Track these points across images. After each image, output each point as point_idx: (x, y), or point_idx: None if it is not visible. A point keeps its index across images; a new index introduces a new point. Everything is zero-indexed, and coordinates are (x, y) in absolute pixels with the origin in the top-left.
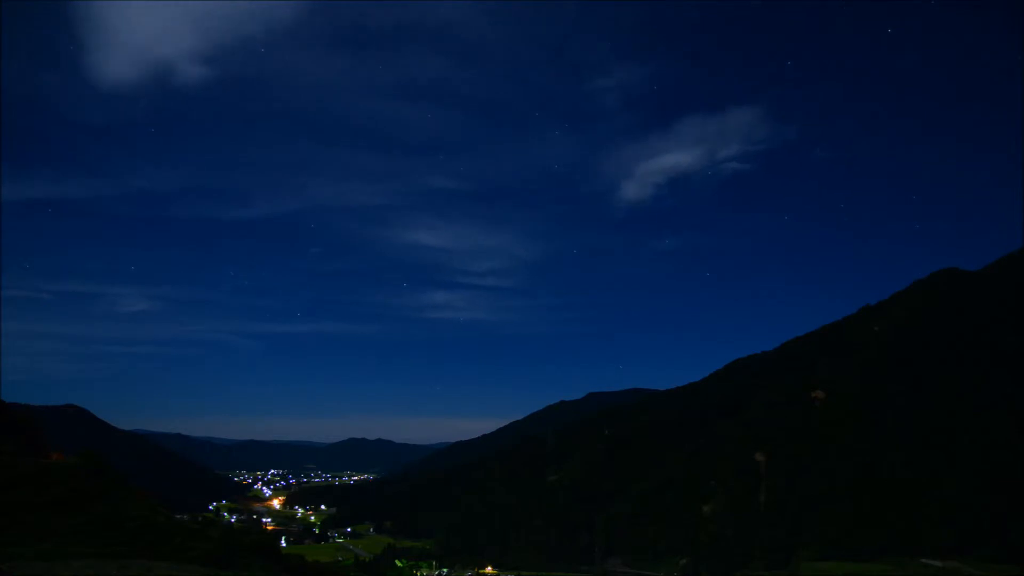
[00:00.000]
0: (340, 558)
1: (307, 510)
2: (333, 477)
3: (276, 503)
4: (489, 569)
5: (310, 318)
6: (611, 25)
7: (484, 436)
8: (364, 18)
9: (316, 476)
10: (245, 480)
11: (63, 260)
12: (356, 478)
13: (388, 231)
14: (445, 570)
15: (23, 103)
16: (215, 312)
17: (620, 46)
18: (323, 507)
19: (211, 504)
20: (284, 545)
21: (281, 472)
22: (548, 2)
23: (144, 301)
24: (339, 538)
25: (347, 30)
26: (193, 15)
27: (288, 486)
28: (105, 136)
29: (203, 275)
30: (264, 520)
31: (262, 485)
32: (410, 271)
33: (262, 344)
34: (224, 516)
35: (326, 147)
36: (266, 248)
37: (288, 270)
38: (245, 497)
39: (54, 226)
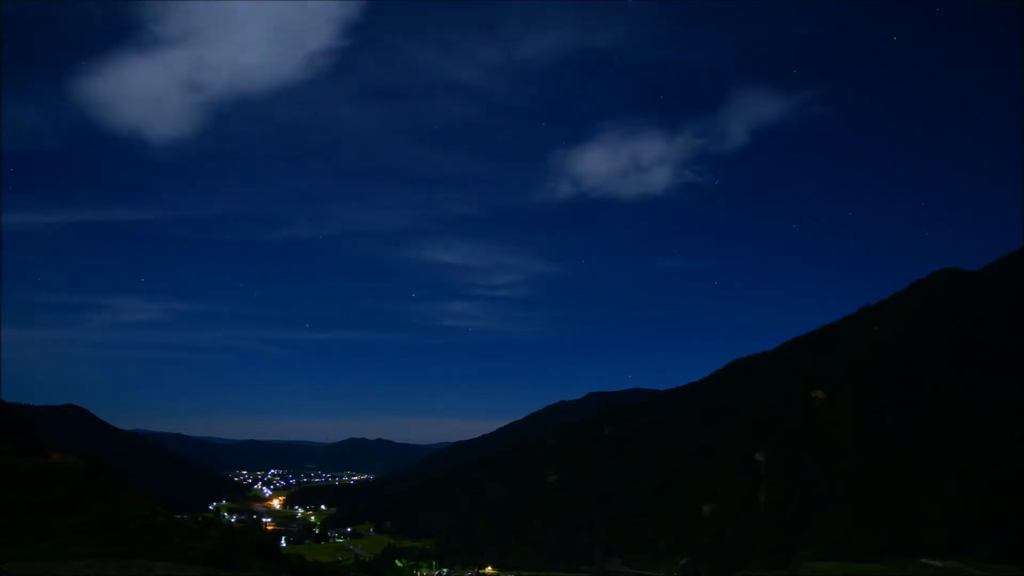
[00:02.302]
0: (340, 558)
1: (307, 510)
2: (333, 477)
3: (276, 503)
4: (489, 569)
5: (319, 326)
6: (610, 71)
7: (484, 436)
8: (392, 73)
9: (316, 476)
10: (245, 480)
11: (91, 275)
12: (356, 478)
13: (408, 251)
14: (445, 570)
15: (76, 138)
16: (225, 321)
17: (618, 86)
18: (323, 507)
19: (211, 504)
20: (284, 545)
21: (281, 472)
22: (550, 59)
23: (155, 312)
24: (339, 538)
25: (377, 83)
26: (243, 64)
27: (288, 486)
28: (161, 169)
29: (221, 289)
30: (264, 520)
31: (262, 485)
32: (423, 285)
33: (265, 348)
34: (224, 516)
35: (357, 180)
36: (288, 266)
37: (306, 285)
38: (245, 497)
39: (91, 246)
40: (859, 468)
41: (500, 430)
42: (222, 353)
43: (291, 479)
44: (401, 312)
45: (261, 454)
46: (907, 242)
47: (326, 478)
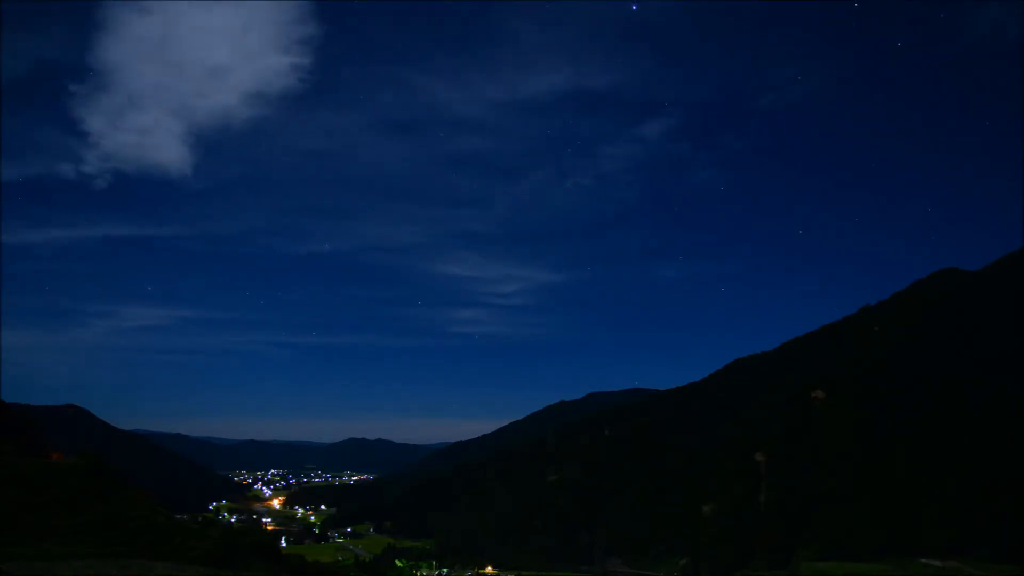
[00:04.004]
0: (340, 558)
1: (307, 510)
2: (333, 477)
3: (276, 503)
4: (489, 569)
5: (325, 331)
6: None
7: (484, 436)
8: (410, 108)
9: (316, 476)
10: (245, 480)
11: (97, 284)
12: (356, 478)
13: (420, 263)
14: (445, 570)
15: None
16: (229, 327)
17: (612, 116)
18: (323, 507)
19: (211, 504)
20: (284, 545)
21: (281, 472)
22: (549, 96)
23: (160, 318)
24: (339, 538)
25: (397, 116)
26: (273, 95)
27: (288, 486)
28: (198, 192)
29: (229, 296)
30: (264, 520)
31: (262, 485)
32: (432, 294)
33: (267, 350)
34: (224, 516)
35: (376, 201)
36: (302, 277)
37: (318, 294)
38: (245, 497)
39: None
40: (859, 468)
41: (500, 430)
42: (224, 356)
43: (291, 479)
44: (407, 318)
45: (261, 454)
46: (907, 242)
47: (326, 478)
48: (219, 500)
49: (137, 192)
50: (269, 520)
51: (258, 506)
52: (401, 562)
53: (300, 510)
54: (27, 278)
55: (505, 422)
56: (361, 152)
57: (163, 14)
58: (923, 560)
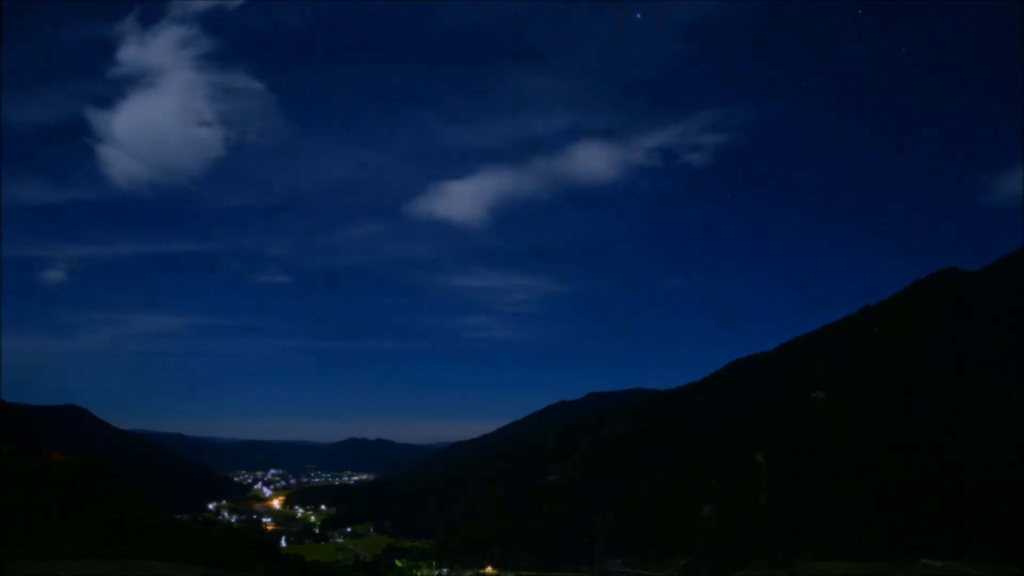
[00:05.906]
0: (340, 558)
1: (307, 510)
2: (333, 477)
3: (276, 503)
4: (489, 569)
5: (328, 337)
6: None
7: (484, 436)
8: (426, 144)
9: (316, 476)
10: (245, 480)
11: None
12: (356, 478)
13: (435, 277)
14: (445, 570)
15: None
16: (235, 332)
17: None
18: (323, 507)
19: (211, 504)
20: (284, 545)
21: (281, 472)
22: (556, 133)
23: (168, 325)
24: (339, 538)
25: (415, 149)
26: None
27: (288, 486)
28: (217, 210)
29: (239, 307)
30: (264, 520)
31: (262, 485)
32: (440, 302)
33: (268, 352)
34: (224, 516)
35: (394, 220)
36: (315, 289)
37: (324, 304)
38: (245, 497)
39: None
40: (859, 468)
41: (500, 430)
42: (224, 357)
43: (291, 479)
44: (410, 324)
45: (261, 454)
46: (907, 242)
47: (326, 478)
48: (219, 500)
49: (152, 211)
50: (269, 520)
51: (258, 506)
52: (401, 562)
53: (300, 510)
54: (35, 289)
55: (505, 422)
56: (384, 181)
57: None
58: (923, 560)
